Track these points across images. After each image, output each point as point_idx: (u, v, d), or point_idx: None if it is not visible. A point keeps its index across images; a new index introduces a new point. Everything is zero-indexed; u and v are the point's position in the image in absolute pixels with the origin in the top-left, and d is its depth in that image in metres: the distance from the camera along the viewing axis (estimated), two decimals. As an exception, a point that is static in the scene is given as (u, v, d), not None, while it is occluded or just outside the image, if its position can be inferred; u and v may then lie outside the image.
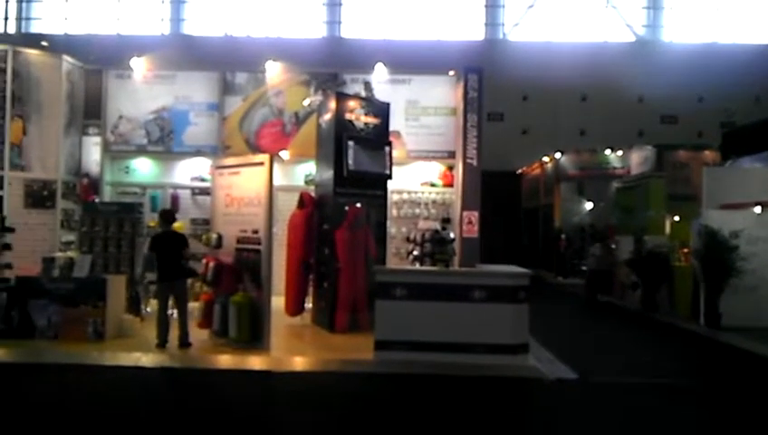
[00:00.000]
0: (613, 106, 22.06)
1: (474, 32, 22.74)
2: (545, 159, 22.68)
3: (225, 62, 14.36)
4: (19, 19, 20.46)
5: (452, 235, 10.47)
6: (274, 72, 13.80)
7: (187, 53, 16.70)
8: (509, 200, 25.00)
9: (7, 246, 10.56)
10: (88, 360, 8.32)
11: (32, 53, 12.99)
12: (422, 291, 8.61)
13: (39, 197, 12.67)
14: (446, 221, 12.37)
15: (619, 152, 21.22)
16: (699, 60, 22.90)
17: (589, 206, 21.93)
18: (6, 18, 20.08)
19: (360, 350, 8.86)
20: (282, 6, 21.20)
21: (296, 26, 21.02)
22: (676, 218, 15.65)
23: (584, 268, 16.98)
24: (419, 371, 8.00)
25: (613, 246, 16.44)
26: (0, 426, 5.92)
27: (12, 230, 10.77)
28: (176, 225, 9.85)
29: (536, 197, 24.83)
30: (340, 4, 21.48)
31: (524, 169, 25.18)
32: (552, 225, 22.43)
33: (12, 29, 20.02)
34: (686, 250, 13.81)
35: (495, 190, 17.58)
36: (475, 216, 12.52)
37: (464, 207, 12.65)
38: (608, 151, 21.34)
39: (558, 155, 21.87)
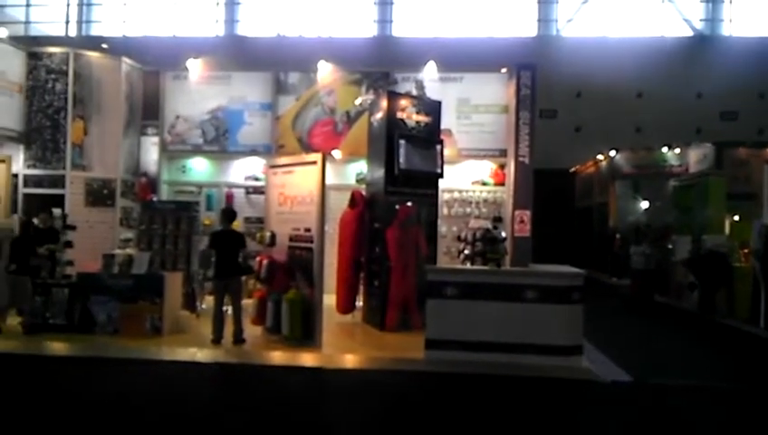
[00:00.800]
0: (670, 103, 21.48)
1: (526, 28, 22.49)
2: (600, 156, 22.28)
3: (279, 63, 14.54)
4: (80, 22, 21.08)
5: (503, 234, 10.37)
6: (326, 71, 13.95)
7: (241, 54, 16.99)
8: (562, 199, 24.62)
9: (69, 244, 10.94)
10: (146, 354, 8.54)
11: (92, 55, 13.43)
12: (473, 290, 8.57)
13: (99, 195, 13.09)
14: (497, 220, 12.24)
15: (677, 150, 20.72)
16: (760, 55, 22.13)
17: (645, 205, 21.47)
18: (68, 22, 20.71)
19: (410, 349, 8.88)
20: (333, 6, 21.35)
21: (347, 26, 21.14)
22: (736, 218, 15.19)
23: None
24: (470, 370, 7.97)
25: (670, 246, 16.06)
26: (62, 418, 6.14)
27: (73, 228, 11.15)
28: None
29: (590, 195, 24.41)
30: (392, 3, 21.51)
31: (578, 167, 24.78)
32: (607, 224, 22.03)
33: (73, 32, 20.63)
34: (745, 251, 13.41)
35: (548, 189, 17.35)
36: (527, 215, 12.41)
37: (516, 206, 12.54)
38: (665, 149, 20.86)
39: (613, 153, 21.46)
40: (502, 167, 13.67)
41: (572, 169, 25.21)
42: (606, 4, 23.16)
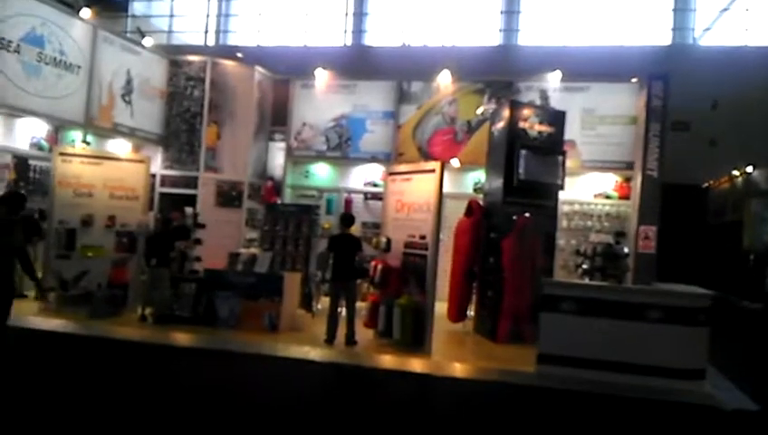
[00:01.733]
0: (817, 115, 19.77)
1: (659, 37, 21.49)
2: (735, 172, 20.92)
3: (402, 72, 14.70)
4: (217, 32, 22.24)
5: (626, 250, 10.01)
6: (448, 80, 13.97)
7: (367, 64, 17.32)
8: (693, 216, 23.27)
9: (198, 241, 11.56)
10: (263, 350, 8.84)
11: (228, 64, 14.11)
12: (591, 306, 8.26)
13: (228, 196, 13.73)
14: (619, 235, 11.83)
15: (823, 167, 19.09)
16: None
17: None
18: (206, 32, 21.89)
19: (521, 362, 8.68)
20: (458, 15, 21.35)
21: (472, 35, 21.05)
22: None
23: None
24: (584, 388, 7.69)
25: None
26: (180, 405, 6.49)
27: (203, 226, 11.77)
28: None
29: (724, 213, 22.98)
30: (519, 12, 21.22)
31: (711, 182, 23.39)
32: (741, 244, 20.65)
33: (211, 41, 21.78)
34: None
35: (678, 204, 16.47)
36: (652, 231, 11.88)
37: (641, 221, 12.05)
38: (809, 166, 19.27)
39: (750, 168, 20.08)
40: (627, 180, 13.14)
41: (705, 185, 23.81)
42: (747, 11, 21.72)
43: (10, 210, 6.76)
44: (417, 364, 8.54)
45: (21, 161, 11.81)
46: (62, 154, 11.40)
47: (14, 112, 11.27)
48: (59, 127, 12.34)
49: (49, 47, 11.35)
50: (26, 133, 11.91)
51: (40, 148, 12.09)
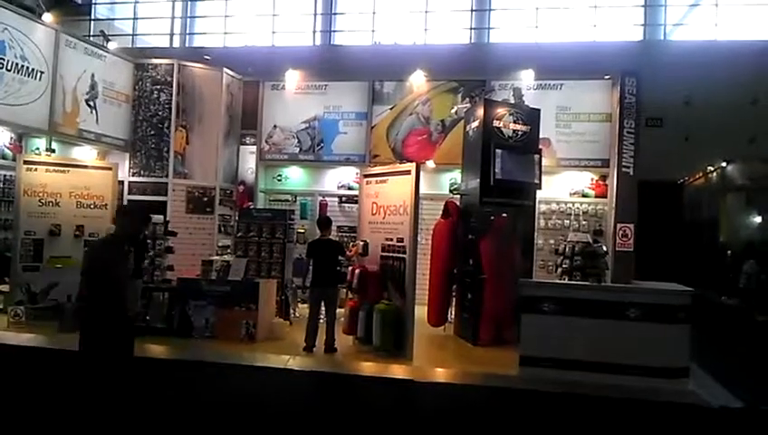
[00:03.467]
0: (790, 110, 20.18)
1: (631, 33, 21.79)
2: (710, 168, 21.27)
3: (374, 72, 14.72)
4: (183, 35, 22.04)
5: (605, 248, 10.11)
6: (422, 80, 14.01)
7: (338, 64, 17.27)
8: (669, 212, 23.59)
9: (170, 249, 11.44)
10: (240, 360, 8.78)
11: (195, 66, 14.01)
12: (572, 306, 8.36)
13: (199, 203, 13.62)
14: (597, 233, 11.96)
15: (796, 161, 19.49)
16: None
17: (759, 220, 20.32)
18: (172, 34, 21.68)
19: (503, 365, 8.74)
20: (429, 14, 21.43)
21: (444, 34, 21.13)
22: None
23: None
24: (567, 390, 7.76)
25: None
26: (157, 419, 6.42)
27: (174, 234, 11.66)
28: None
29: (700, 209, 23.35)
30: (490, 10, 21.35)
31: (687, 178, 23.74)
32: (717, 240, 21.01)
33: (177, 44, 21.57)
34: None
35: (654, 201, 16.68)
36: (630, 228, 11.99)
37: (618, 219, 12.16)
38: (782, 160, 19.66)
39: (724, 164, 20.44)
40: (603, 178, 13.32)
41: (680, 181, 24.16)
42: (718, 6, 22.09)
43: (132, 225, 6.05)
44: (397, 370, 8.55)
45: (-17, 171, 11.61)
46: (26, 162, 11.24)
47: (-24, 121, 11.06)
48: (23, 134, 12.14)
49: (10, 53, 11.16)
50: (-11, 142, 11.72)
51: (3, 156, 11.89)
